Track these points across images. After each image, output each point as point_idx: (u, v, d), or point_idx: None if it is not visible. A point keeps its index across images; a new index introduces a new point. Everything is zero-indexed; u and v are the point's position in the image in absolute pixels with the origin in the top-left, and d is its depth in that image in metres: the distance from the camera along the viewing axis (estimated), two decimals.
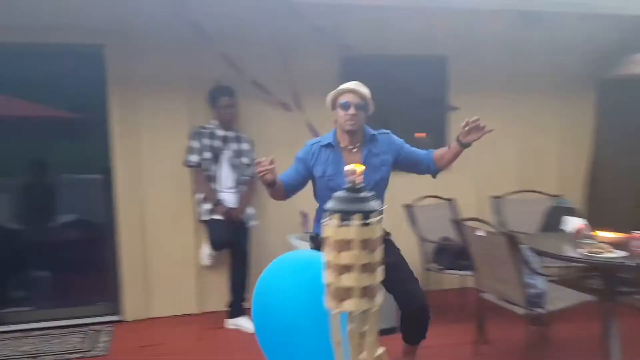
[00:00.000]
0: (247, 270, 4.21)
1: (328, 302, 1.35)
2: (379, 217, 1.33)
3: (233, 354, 3.76)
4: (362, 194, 1.34)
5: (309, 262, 1.81)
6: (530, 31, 4.95)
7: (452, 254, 4.21)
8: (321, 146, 2.96)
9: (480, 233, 3.40)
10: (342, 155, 2.94)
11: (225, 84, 4.31)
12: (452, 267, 4.19)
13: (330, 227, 1.31)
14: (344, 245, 1.29)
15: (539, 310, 3.22)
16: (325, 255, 1.34)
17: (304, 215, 4.27)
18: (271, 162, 2.65)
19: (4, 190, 4.46)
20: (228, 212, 4.08)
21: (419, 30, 4.81)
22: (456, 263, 4.15)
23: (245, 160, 4.22)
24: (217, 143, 4.14)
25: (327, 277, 1.35)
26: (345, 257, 1.29)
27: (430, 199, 4.62)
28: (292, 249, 3.90)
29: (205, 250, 4.36)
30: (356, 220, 1.29)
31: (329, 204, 1.34)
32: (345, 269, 1.30)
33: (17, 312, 4.21)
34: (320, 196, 2.99)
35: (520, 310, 3.25)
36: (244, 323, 4.13)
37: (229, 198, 4.16)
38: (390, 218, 4.64)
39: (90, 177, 4.46)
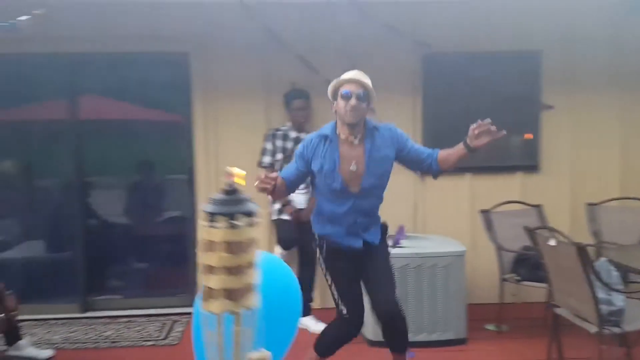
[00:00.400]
0: (314, 271, 4.22)
1: (201, 302, 1.32)
2: (249, 220, 1.28)
3: (297, 353, 3.77)
4: (234, 197, 1.32)
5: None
6: (636, 21, 4.43)
7: (532, 264, 3.88)
8: (320, 138, 2.85)
9: (551, 243, 3.10)
10: (339, 148, 2.82)
11: (302, 86, 4.38)
12: (531, 279, 3.86)
13: (202, 228, 1.28)
14: (210, 246, 1.27)
15: (615, 329, 2.86)
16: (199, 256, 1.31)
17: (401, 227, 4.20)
18: (272, 179, 2.61)
19: (109, 188, 4.92)
20: (296, 212, 4.13)
21: (509, 24, 4.52)
22: (536, 274, 3.81)
23: None
24: (289, 145, 4.21)
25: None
26: (210, 258, 1.27)
27: (515, 204, 4.32)
28: None
29: (277, 250, 4.44)
30: (221, 222, 1.26)
31: (205, 205, 1.31)
32: (210, 270, 1.28)
33: (108, 300, 4.62)
34: (319, 191, 2.91)
35: (593, 329, 2.91)
36: (310, 323, 4.15)
37: (298, 199, 4.21)
38: (469, 223, 4.44)
39: (178, 176, 4.74)
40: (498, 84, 4.65)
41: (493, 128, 2.68)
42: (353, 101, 2.75)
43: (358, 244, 2.87)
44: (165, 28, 4.33)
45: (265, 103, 4.48)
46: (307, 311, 4.20)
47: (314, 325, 4.12)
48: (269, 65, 4.44)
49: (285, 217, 4.16)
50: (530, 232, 3.31)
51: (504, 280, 4.01)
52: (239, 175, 1.33)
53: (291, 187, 2.89)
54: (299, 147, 2.93)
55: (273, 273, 2.11)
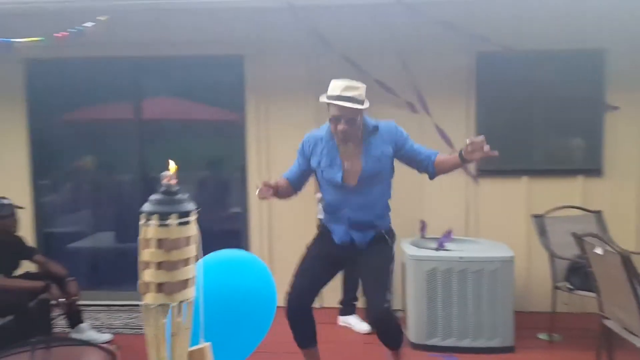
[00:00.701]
0: None
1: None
2: (183, 219, 1.36)
3: (336, 350, 3.82)
4: (169, 197, 1.38)
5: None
6: None
7: (585, 273, 3.69)
8: (318, 138, 2.93)
9: (597, 251, 2.97)
10: (338, 146, 2.88)
11: None
12: (584, 288, 3.68)
13: (140, 226, 1.38)
14: (145, 243, 1.37)
15: None
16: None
17: (423, 224, 4.18)
18: (268, 189, 2.75)
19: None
20: None
21: (570, 21, 4.33)
22: (589, 283, 3.63)
23: None
24: None
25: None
26: (144, 255, 1.37)
27: (574, 210, 4.14)
28: (403, 253, 3.84)
29: None
30: (154, 221, 1.35)
31: (145, 205, 1.39)
32: (145, 265, 1.38)
33: None
34: (321, 187, 3.04)
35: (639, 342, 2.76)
36: (353, 321, 4.19)
37: None
38: (524, 228, 4.28)
39: (233, 173, 4.91)
40: (557, 84, 4.47)
41: (486, 148, 2.72)
42: (341, 126, 2.77)
43: (345, 239, 2.95)
44: (222, 33, 4.50)
45: (314, 103, 4.53)
46: (351, 310, 4.24)
47: (357, 324, 4.16)
48: (317, 66, 4.49)
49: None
50: (578, 239, 3.17)
51: (557, 288, 3.86)
52: (172, 174, 1.42)
53: (296, 185, 3.04)
54: (300, 145, 3.04)
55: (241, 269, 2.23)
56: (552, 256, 3.89)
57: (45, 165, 4.88)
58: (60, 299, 3.56)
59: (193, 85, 4.77)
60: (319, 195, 4.30)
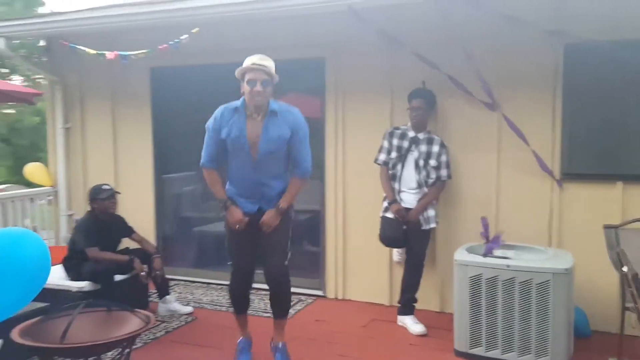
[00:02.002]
0: (419, 272, 4.21)
1: None
2: None
3: (382, 348, 3.87)
4: None
5: None
6: None
7: None
8: (230, 110, 3.30)
9: None
10: (246, 120, 3.28)
11: (429, 84, 4.36)
12: None
13: None
14: None
15: None
16: None
17: (485, 224, 3.95)
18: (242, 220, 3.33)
19: None
20: (399, 211, 4.15)
21: None
22: None
23: (433, 162, 4.18)
24: (405, 144, 4.24)
25: None
26: None
27: None
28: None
29: (395, 252, 4.55)
30: None
31: None
32: None
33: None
34: (229, 161, 3.39)
35: None
36: (409, 322, 4.16)
37: (408, 198, 4.21)
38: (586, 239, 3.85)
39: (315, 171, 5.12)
40: None
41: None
42: (258, 87, 3.18)
43: (253, 209, 3.38)
44: (308, 36, 4.78)
45: (390, 103, 4.59)
46: (409, 310, 4.22)
47: (412, 325, 4.13)
48: (393, 66, 4.53)
49: (390, 215, 4.22)
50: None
51: (626, 309, 3.40)
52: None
53: (221, 161, 3.41)
54: (210, 119, 3.37)
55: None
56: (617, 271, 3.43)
57: (164, 160, 5.66)
58: (142, 272, 4.17)
59: (285, 87, 5.12)
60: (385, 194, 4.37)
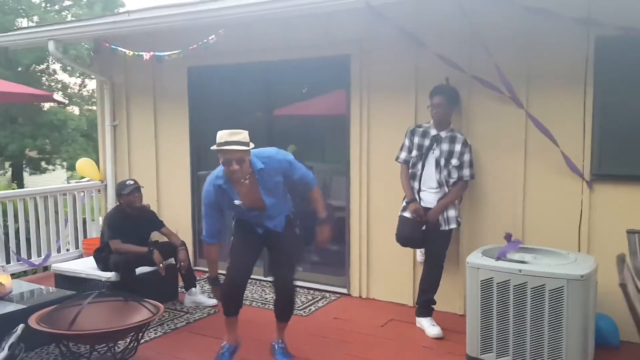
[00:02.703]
0: (437, 273, 4.11)
1: None
2: None
3: (393, 349, 3.83)
4: None
5: None
6: None
7: None
8: (217, 186, 3.35)
9: None
10: (235, 188, 3.35)
11: (452, 83, 4.25)
12: None
13: None
14: None
15: None
16: None
17: (509, 238, 3.76)
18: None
19: None
20: (417, 210, 4.07)
21: None
22: None
23: (454, 161, 4.06)
24: (427, 142, 4.15)
25: None
26: None
27: None
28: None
29: (418, 253, 4.47)
30: None
31: None
32: None
33: None
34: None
35: None
36: (426, 324, 4.08)
37: (428, 198, 4.12)
38: (617, 244, 3.63)
39: (340, 167, 5.11)
40: None
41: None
42: (234, 167, 3.21)
43: (260, 231, 3.57)
44: (335, 33, 4.77)
45: (415, 101, 4.50)
46: (427, 312, 4.14)
47: (429, 328, 4.06)
48: (417, 63, 4.44)
49: (407, 214, 4.15)
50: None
51: None
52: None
53: (221, 235, 3.54)
54: (203, 199, 3.45)
55: None
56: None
57: (200, 157, 5.83)
58: (160, 264, 4.33)
59: (311, 84, 5.17)
60: None
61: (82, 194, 6.08)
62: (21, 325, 3.25)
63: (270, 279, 5.10)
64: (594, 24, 3.78)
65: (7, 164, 24.50)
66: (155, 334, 4.05)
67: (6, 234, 5.42)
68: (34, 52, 16.60)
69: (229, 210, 3.51)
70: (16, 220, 5.50)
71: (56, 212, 5.79)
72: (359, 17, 4.52)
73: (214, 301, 4.69)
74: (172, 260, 4.57)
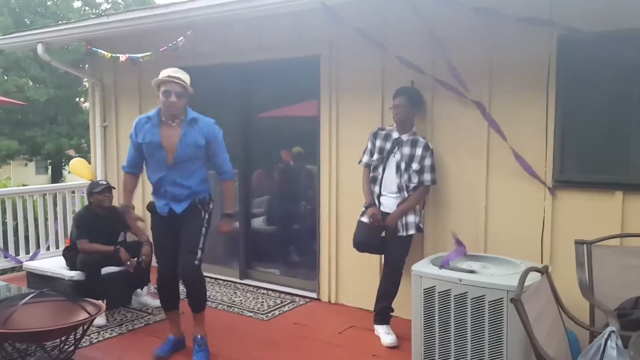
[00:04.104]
0: (394, 280, 4.00)
1: None
2: None
3: (342, 357, 3.75)
4: None
5: None
6: None
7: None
8: (145, 119, 3.55)
9: None
10: (160, 127, 3.51)
11: (417, 85, 4.14)
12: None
13: None
14: None
15: None
16: None
17: (457, 240, 3.59)
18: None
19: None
20: (374, 215, 3.97)
21: None
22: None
23: (415, 166, 3.94)
24: (388, 145, 4.05)
25: None
26: None
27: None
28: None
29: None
30: None
31: None
32: None
33: (258, 272, 5.39)
34: (147, 167, 3.66)
35: None
36: (381, 332, 3.98)
37: (388, 203, 4.02)
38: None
39: (312, 167, 5.03)
40: None
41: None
42: (172, 98, 3.41)
43: (165, 210, 3.59)
44: (306, 34, 4.72)
45: (381, 103, 4.39)
46: (384, 320, 4.03)
47: (384, 336, 3.96)
48: (383, 65, 4.34)
49: (364, 219, 4.06)
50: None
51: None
52: None
53: (139, 169, 3.70)
54: (131, 134, 3.61)
55: None
56: (586, 296, 3.03)
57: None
58: (127, 262, 4.34)
59: (287, 85, 5.13)
60: None
61: (72, 193, 6.22)
62: None
63: (240, 280, 5.17)
64: (556, 22, 3.60)
65: (47, 162, 25.52)
66: (111, 334, 4.09)
67: None
68: (72, 54, 17.02)
69: (145, 154, 3.60)
70: (15, 218, 5.68)
71: (47, 212, 5.95)
72: (328, 18, 4.45)
73: (157, 302, 4.58)
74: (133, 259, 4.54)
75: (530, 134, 3.79)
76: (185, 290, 3.72)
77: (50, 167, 24.93)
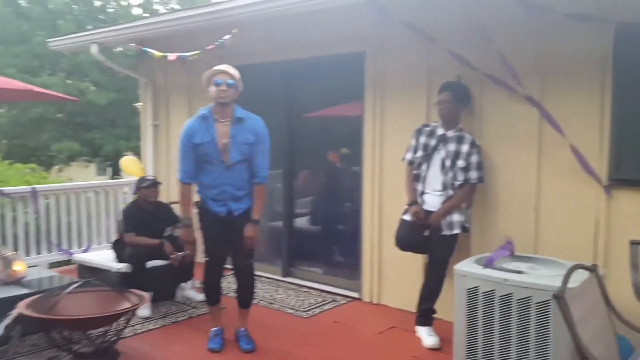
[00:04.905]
0: (438, 280, 3.88)
1: None
2: None
3: (381, 358, 3.67)
4: None
5: None
6: None
7: None
8: (199, 118, 3.53)
9: None
10: (215, 125, 3.52)
11: (465, 81, 4.02)
12: None
13: None
14: None
15: None
16: None
17: (507, 241, 3.50)
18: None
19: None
20: (417, 213, 3.87)
21: None
22: None
23: (461, 163, 3.82)
24: (432, 142, 3.95)
25: None
26: None
27: None
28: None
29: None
30: None
31: None
32: None
33: (301, 270, 5.37)
34: (201, 166, 3.60)
35: None
36: (423, 334, 3.87)
37: (432, 201, 3.91)
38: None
39: (357, 169, 4.91)
40: None
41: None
42: (223, 87, 3.47)
43: (223, 211, 3.62)
44: (349, 30, 4.67)
45: (427, 99, 4.29)
46: (426, 321, 3.93)
47: (426, 337, 3.86)
48: (430, 60, 4.24)
49: (407, 217, 3.96)
50: None
51: None
52: None
53: (197, 175, 3.63)
54: (181, 133, 3.58)
55: None
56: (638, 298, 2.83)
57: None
58: (172, 255, 4.41)
59: (330, 83, 5.09)
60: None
61: (124, 190, 6.40)
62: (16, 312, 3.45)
63: (283, 278, 5.17)
64: (613, 13, 3.41)
65: (107, 164, 26.51)
66: (155, 325, 4.16)
67: (57, 225, 5.81)
68: (130, 58, 17.59)
69: (202, 157, 3.56)
70: (68, 213, 5.90)
71: (99, 207, 6.15)
72: (373, 13, 4.39)
73: (201, 297, 4.61)
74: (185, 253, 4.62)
75: (583, 131, 3.60)
76: (236, 286, 3.83)
77: (110, 169, 25.89)
